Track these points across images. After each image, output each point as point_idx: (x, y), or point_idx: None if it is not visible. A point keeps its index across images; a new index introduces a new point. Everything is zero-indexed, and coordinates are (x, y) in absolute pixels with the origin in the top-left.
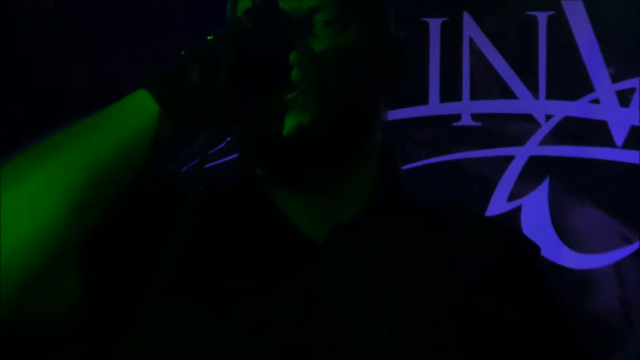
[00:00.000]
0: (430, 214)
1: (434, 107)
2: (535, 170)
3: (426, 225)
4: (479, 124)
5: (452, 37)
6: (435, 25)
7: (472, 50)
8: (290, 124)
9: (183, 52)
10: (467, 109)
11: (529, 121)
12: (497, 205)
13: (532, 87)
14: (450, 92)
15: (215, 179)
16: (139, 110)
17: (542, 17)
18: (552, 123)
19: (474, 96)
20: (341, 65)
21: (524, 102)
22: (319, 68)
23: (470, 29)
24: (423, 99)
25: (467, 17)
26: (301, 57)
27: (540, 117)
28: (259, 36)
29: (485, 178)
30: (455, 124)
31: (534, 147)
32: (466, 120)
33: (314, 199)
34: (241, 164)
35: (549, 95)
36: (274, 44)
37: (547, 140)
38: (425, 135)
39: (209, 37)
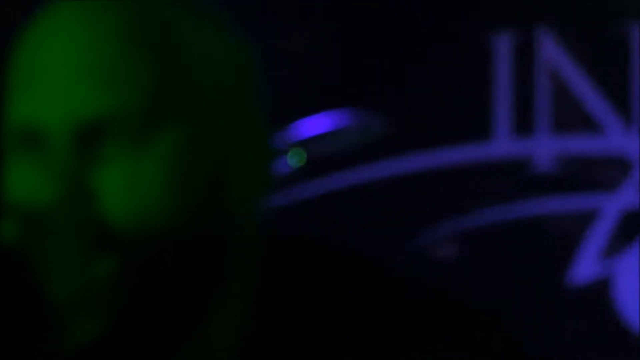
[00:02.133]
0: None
1: (500, 145)
2: (630, 226)
3: None
4: (558, 167)
5: (523, 56)
6: (502, 42)
7: (548, 73)
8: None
9: None
10: (542, 148)
11: (621, 163)
12: (583, 272)
13: (626, 120)
14: (521, 127)
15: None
16: None
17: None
18: None
19: (551, 131)
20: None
21: (615, 138)
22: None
23: (547, 46)
24: (486, 135)
25: (542, 31)
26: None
27: (635, 158)
28: None
29: (565, 237)
30: (527, 167)
31: (628, 196)
32: (541, 163)
33: None
34: None
35: None
36: None
37: None
38: (487, 183)
39: None
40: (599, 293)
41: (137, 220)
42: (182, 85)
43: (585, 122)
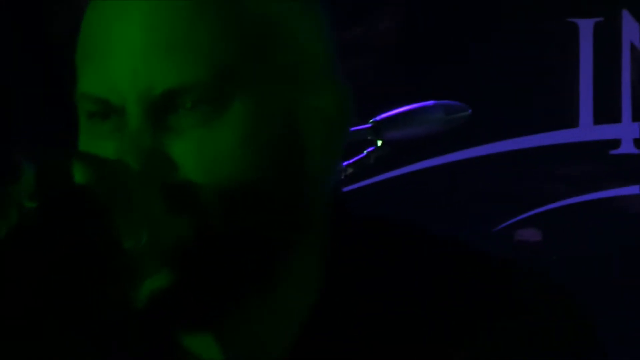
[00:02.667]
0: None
1: (586, 131)
2: None
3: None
4: None
5: (608, 41)
6: (586, 27)
7: (633, 58)
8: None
9: None
10: (628, 133)
11: None
12: None
13: None
14: (606, 112)
15: None
16: None
17: None
18: None
19: (637, 116)
20: (223, 175)
21: None
22: (180, 185)
23: (631, 31)
24: (571, 121)
25: (627, 17)
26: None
27: None
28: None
29: None
30: (612, 152)
31: None
32: (627, 147)
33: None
34: None
35: None
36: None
37: None
38: (573, 167)
39: None
40: None
41: (214, 187)
42: (253, 51)
43: None
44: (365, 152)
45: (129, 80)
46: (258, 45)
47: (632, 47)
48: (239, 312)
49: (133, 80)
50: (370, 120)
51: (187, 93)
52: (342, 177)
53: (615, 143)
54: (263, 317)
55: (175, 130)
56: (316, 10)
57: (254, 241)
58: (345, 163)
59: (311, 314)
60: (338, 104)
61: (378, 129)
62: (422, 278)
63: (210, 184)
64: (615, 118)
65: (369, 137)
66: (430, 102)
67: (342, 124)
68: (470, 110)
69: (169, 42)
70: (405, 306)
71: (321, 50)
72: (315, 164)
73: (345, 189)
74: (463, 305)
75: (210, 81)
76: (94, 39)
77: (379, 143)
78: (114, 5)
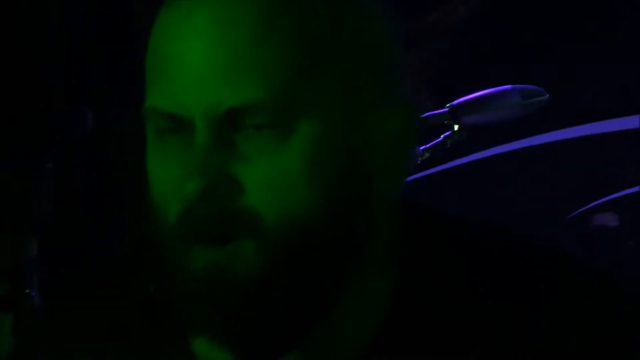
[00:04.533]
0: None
1: None
2: None
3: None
4: None
5: None
6: None
7: None
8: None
9: None
10: None
11: None
12: None
13: None
14: None
15: None
16: None
17: None
18: None
19: None
20: (287, 197)
21: None
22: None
23: None
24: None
25: None
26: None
27: None
28: None
29: None
30: None
31: None
32: None
33: None
34: None
35: None
36: None
37: None
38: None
39: None
40: None
41: (281, 212)
42: (320, 70)
43: None
44: (442, 136)
45: (195, 96)
46: (323, 67)
47: None
48: (306, 333)
49: (199, 97)
50: (447, 105)
51: (252, 113)
52: (419, 162)
53: None
54: (330, 334)
55: (241, 154)
56: (384, 27)
57: (322, 270)
58: (421, 147)
59: (380, 327)
60: (404, 122)
61: (455, 113)
62: (498, 286)
63: (277, 213)
64: None
65: (445, 122)
66: (508, 87)
67: (409, 141)
68: (548, 95)
69: (234, 61)
70: (480, 315)
71: (387, 68)
72: (382, 185)
73: (422, 173)
74: (544, 314)
75: (273, 102)
76: (162, 55)
77: (456, 127)
78: (180, 20)
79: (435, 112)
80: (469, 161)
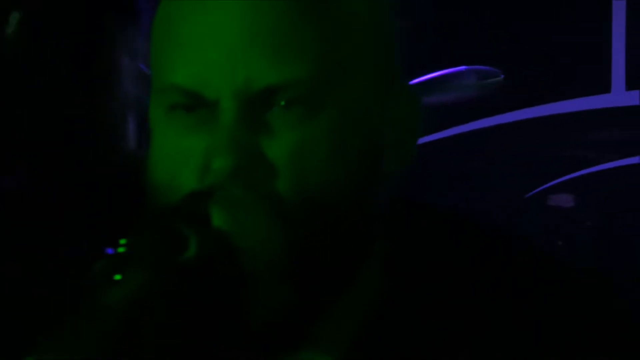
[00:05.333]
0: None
1: (618, 96)
2: None
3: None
4: None
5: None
6: None
7: None
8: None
9: None
10: None
11: None
12: None
13: None
14: (638, 77)
15: None
16: None
17: None
18: None
19: None
20: (316, 171)
21: None
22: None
23: None
24: (603, 87)
25: None
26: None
27: None
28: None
29: None
30: None
31: None
32: None
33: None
34: None
35: None
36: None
37: None
38: (604, 133)
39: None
40: None
41: (305, 193)
42: (346, 51)
43: None
44: None
45: (226, 74)
46: (354, 48)
47: None
48: (314, 313)
49: (231, 75)
50: None
51: (286, 90)
52: None
53: None
54: (331, 324)
55: (270, 130)
56: (392, 15)
57: (338, 250)
58: None
59: (373, 314)
60: (411, 104)
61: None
62: (489, 282)
63: (300, 186)
64: None
65: None
66: (463, 68)
67: (417, 123)
68: (502, 76)
69: (271, 37)
70: (470, 312)
71: (398, 55)
72: (390, 167)
73: None
74: (538, 314)
75: (309, 80)
76: (186, 29)
77: None
78: None
79: None
80: (423, 142)
